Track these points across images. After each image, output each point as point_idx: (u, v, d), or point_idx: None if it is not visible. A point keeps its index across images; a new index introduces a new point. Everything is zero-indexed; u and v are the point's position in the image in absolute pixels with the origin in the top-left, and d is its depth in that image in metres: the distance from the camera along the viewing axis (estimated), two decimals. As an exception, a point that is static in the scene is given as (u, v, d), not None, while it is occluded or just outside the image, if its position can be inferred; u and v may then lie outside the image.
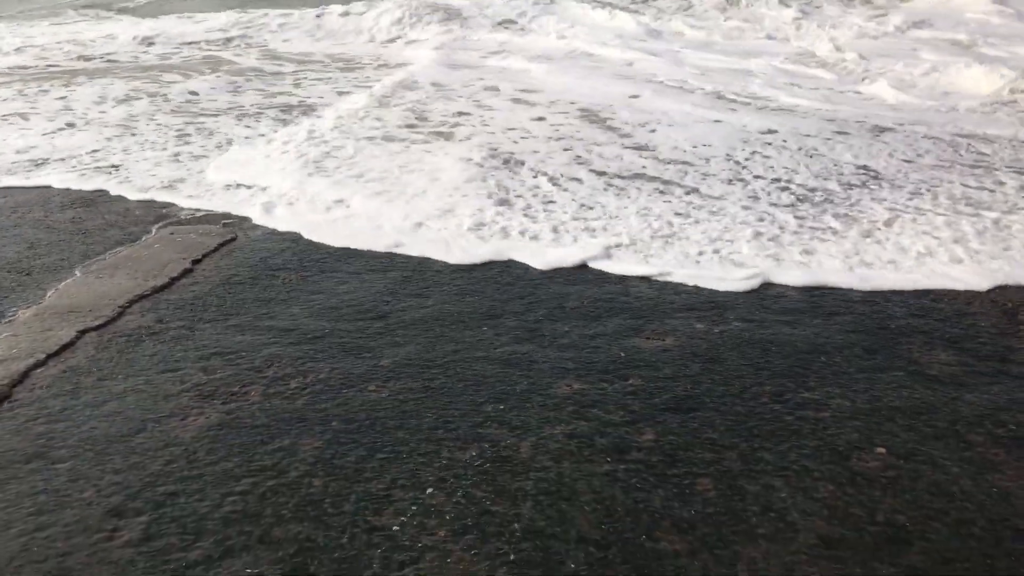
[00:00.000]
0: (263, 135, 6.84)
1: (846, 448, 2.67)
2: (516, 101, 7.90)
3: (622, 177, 5.53)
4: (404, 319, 3.64)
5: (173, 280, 4.07)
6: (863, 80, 8.60)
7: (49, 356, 3.28)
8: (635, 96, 8.04)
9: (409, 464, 2.59)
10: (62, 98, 8.48)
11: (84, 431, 2.78)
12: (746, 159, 5.91)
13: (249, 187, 5.52)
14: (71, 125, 7.39)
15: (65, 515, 2.36)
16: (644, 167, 5.76)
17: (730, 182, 5.43)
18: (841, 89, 8.34)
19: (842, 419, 2.85)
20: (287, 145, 6.40)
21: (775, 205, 4.98)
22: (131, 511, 2.38)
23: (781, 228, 4.62)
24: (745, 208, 4.94)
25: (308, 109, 7.71)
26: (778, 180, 5.44)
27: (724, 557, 2.19)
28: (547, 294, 3.92)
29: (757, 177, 5.52)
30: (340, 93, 8.45)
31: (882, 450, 2.67)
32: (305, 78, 9.29)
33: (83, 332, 3.48)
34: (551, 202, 5.07)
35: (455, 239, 4.57)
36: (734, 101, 7.87)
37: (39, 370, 3.18)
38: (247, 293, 3.93)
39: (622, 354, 3.31)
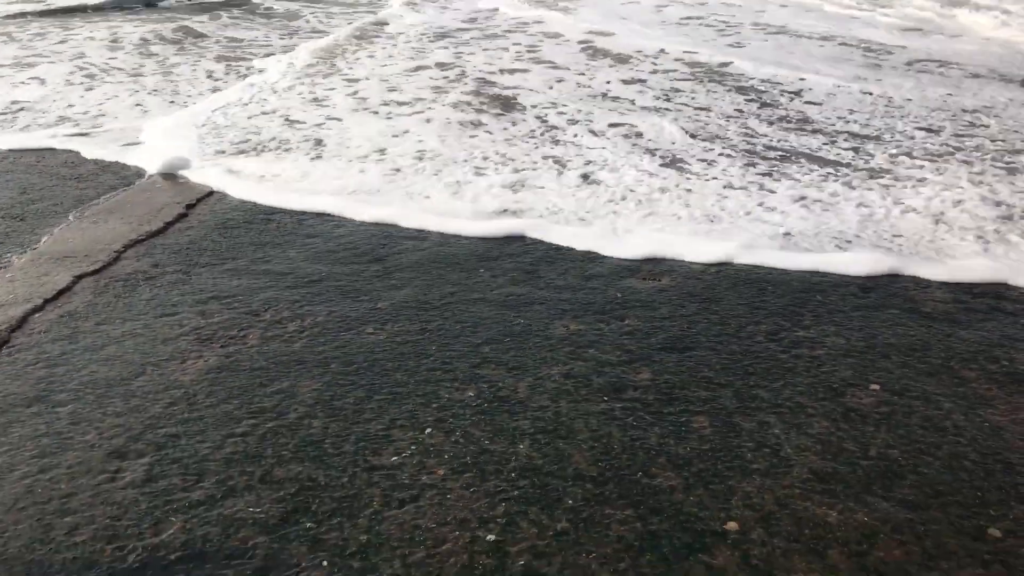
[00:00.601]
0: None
1: (840, 385, 2.70)
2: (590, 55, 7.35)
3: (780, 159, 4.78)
4: (401, 262, 3.63)
5: (168, 224, 4.05)
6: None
7: (46, 301, 3.28)
8: (736, 46, 7.01)
9: (408, 405, 2.61)
10: (62, 41, 8.33)
11: (84, 375, 2.80)
12: (961, 135, 5.10)
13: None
14: (90, 76, 7.28)
15: (68, 457, 2.39)
16: (809, 145, 4.94)
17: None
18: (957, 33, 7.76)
19: (837, 356, 2.87)
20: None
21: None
22: (133, 453, 2.40)
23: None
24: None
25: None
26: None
27: (719, 492, 2.22)
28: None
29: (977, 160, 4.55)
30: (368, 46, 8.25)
31: (876, 387, 2.69)
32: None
33: (79, 277, 3.47)
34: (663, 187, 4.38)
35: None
36: (867, 50, 6.92)
37: (37, 315, 3.19)
38: (242, 237, 3.91)
39: (618, 295, 3.32)
